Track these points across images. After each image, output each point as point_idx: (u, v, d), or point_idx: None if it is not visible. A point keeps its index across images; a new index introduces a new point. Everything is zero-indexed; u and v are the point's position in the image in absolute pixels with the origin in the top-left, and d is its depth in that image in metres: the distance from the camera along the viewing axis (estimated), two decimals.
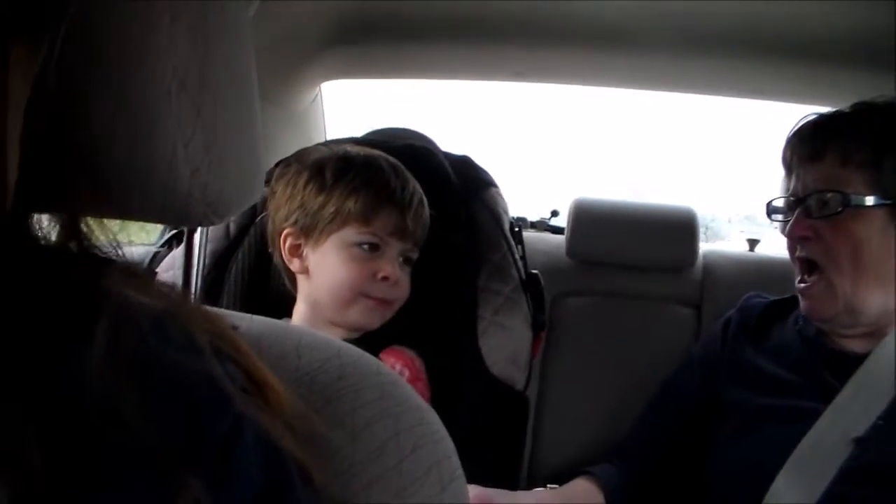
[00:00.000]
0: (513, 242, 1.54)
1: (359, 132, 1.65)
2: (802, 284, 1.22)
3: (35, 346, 0.36)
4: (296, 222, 1.25)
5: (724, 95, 2.09)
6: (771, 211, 1.31)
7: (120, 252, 0.43)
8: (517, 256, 1.54)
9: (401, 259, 1.28)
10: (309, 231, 1.25)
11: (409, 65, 2.06)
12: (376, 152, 1.32)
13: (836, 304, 1.19)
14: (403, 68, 2.09)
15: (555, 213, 2.31)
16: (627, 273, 1.99)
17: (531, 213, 2.32)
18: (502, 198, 1.61)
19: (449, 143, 1.65)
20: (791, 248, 1.25)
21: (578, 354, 1.92)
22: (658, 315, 1.94)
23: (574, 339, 1.92)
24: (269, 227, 1.32)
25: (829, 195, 1.17)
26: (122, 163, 0.42)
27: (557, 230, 2.21)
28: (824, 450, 1.12)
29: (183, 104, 0.42)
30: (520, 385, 1.44)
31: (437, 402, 1.27)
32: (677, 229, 1.96)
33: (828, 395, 1.17)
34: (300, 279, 1.28)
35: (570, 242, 1.98)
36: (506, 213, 1.58)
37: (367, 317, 1.25)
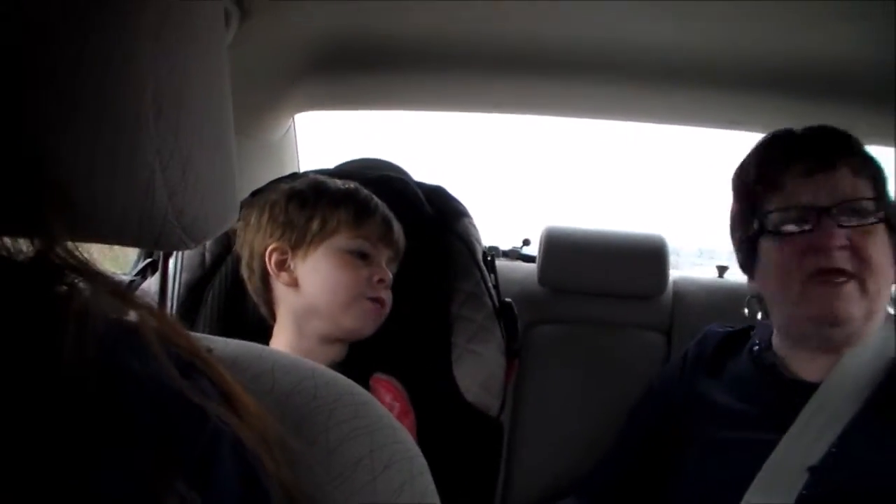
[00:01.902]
0: (486, 271, 1.56)
1: (332, 163, 1.66)
2: (835, 282, 1.16)
3: (4, 359, 0.36)
4: (281, 236, 1.27)
5: (698, 126, 2.12)
6: (780, 223, 1.23)
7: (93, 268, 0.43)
8: (490, 285, 1.55)
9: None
10: (297, 243, 1.27)
11: (383, 96, 2.07)
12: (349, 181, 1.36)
13: (863, 309, 1.17)
14: (377, 99, 2.10)
15: (526, 242, 2.32)
16: (599, 300, 2.01)
17: (503, 242, 2.33)
18: (475, 227, 1.62)
19: (422, 173, 1.67)
20: (797, 260, 1.19)
21: (551, 381, 1.93)
22: (629, 342, 1.96)
23: (547, 366, 1.93)
24: (245, 254, 1.32)
25: (862, 203, 1.17)
26: (99, 186, 0.42)
27: (529, 259, 2.23)
28: (782, 479, 1.12)
29: (160, 128, 0.42)
30: (494, 411, 1.45)
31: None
32: (648, 257, 1.98)
33: (784, 425, 1.17)
34: (286, 294, 1.29)
35: (542, 271, 2.00)
36: (479, 242, 1.60)
37: (362, 320, 1.27)
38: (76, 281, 0.41)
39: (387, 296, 1.29)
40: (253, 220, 1.30)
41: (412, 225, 1.50)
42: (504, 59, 1.76)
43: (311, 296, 1.26)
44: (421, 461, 0.53)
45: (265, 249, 1.28)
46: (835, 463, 1.09)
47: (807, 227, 1.19)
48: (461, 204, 1.64)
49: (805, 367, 1.24)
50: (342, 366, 1.24)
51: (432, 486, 0.52)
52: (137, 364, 0.39)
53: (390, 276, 1.30)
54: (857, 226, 1.16)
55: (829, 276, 1.16)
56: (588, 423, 1.81)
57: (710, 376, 1.34)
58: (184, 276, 1.43)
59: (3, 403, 0.35)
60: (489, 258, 1.60)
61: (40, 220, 0.41)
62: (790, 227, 1.21)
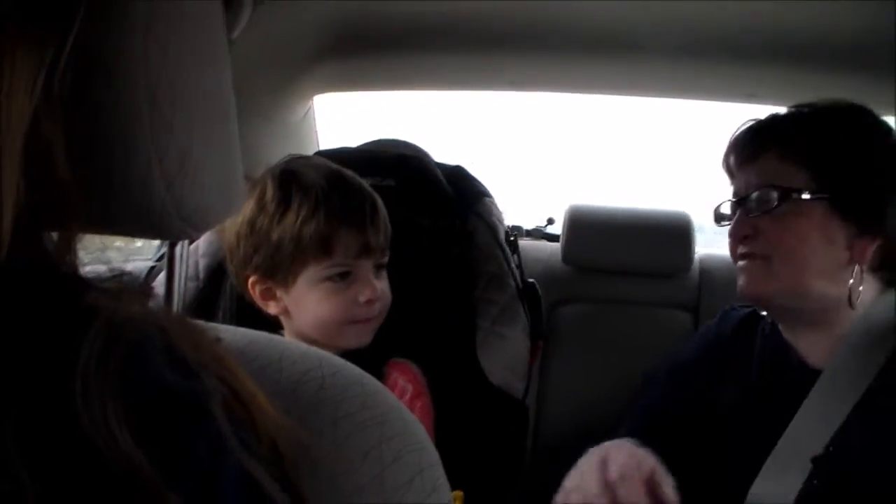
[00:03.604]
0: (508, 252, 1.55)
1: (352, 145, 1.65)
2: (742, 262, 1.24)
3: (22, 363, 0.36)
4: (257, 267, 1.19)
5: (716, 100, 2.09)
6: (718, 218, 1.33)
7: (110, 268, 0.43)
8: (513, 265, 1.54)
9: (374, 269, 1.23)
10: (274, 273, 1.18)
11: (402, 76, 2.06)
12: (320, 163, 1.26)
13: (773, 286, 1.20)
14: (396, 80, 2.09)
15: (550, 221, 2.30)
16: (624, 279, 1.99)
17: (527, 222, 2.31)
18: (497, 207, 1.61)
19: (443, 153, 1.65)
20: (733, 249, 1.27)
21: (577, 361, 1.92)
22: (655, 320, 1.94)
23: (572, 346, 1.92)
24: (230, 268, 1.25)
25: (768, 191, 1.19)
26: (97, 178, 0.42)
27: (553, 238, 2.21)
28: (788, 467, 1.12)
29: (156, 120, 0.42)
30: (519, 394, 1.44)
31: (436, 412, 1.27)
32: (673, 234, 1.96)
33: (791, 410, 1.17)
34: (282, 318, 1.23)
35: (566, 249, 1.99)
36: (501, 222, 1.58)
37: (357, 338, 1.21)
38: (93, 284, 0.41)
39: (378, 308, 1.22)
40: (228, 226, 1.21)
41: (432, 206, 1.49)
42: (519, 36, 1.74)
43: (303, 324, 1.21)
44: (432, 453, 0.52)
45: (246, 280, 1.22)
46: (835, 457, 1.08)
47: (731, 216, 1.29)
48: (482, 184, 1.63)
49: (806, 348, 1.23)
50: (356, 352, 1.22)
51: (443, 479, 0.51)
52: (149, 367, 0.39)
53: (378, 288, 1.21)
54: (761, 214, 1.20)
55: (740, 259, 1.25)
56: (615, 404, 1.79)
57: (726, 356, 1.33)
58: (204, 261, 1.43)
59: (23, 407, 0.35)
60: (512, 238, 1.58)
61: (59, 212, 0.41)
62: (724, 222, 1.31)
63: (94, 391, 0.36)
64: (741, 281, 1.24)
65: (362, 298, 1.19)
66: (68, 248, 0.42)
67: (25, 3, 0.37)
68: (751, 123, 1.29)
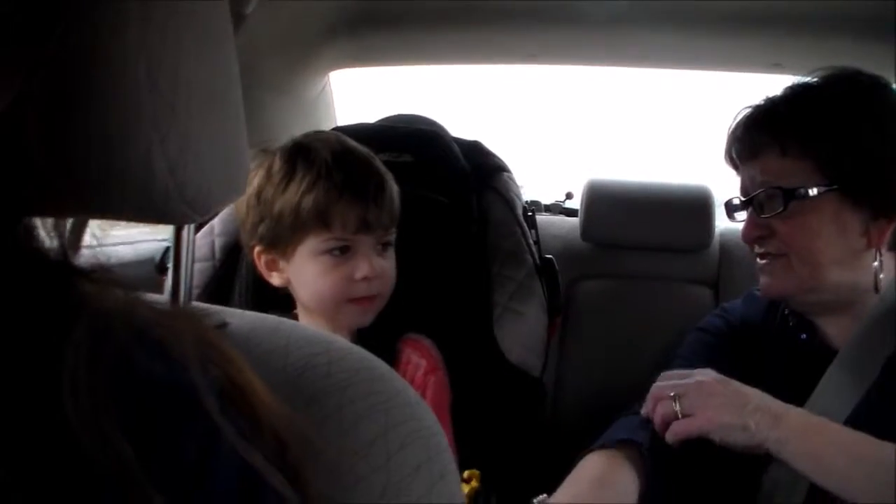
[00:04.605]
0: (526, 227, 1.53)
1: (369, 120, 1.64)
2: (762, 261, 1.22)
3: (10, 356, 0.36)
4: (262, 238, 1.20)
5: (740, 71, 2.06)
6: (731, 210, 1.30)
7: (101, 257, 0.42)
8: (531, 241, 1.53)
9: (379, 246, 1.22)
10: (276, 244, 1.19)
11: (419, 51, 2.04)
12: (331, 138, 1.25)
13: (793, 283, 1.18)
14: (413, 55, 2.08)
15: (569, 196, 2.29)
16: (644, 255, 1.98)
17: (545, 197, 2.30)
18: (514, 182, 1.60)
19: (460, 128, 1.64)
20: (750, 246, 1.25)
21: (595, 338, 1.91)
22: (675, 296, 1.93)
23: (591, 323, 1.92)
24: (243, 238, 1.27)
25: (774, 192, 1.16)
26: (98, 162, 0.41)
27: (572, 213, 2.20)
28: None
29: (157, 103, 0.41)
30: (536, 371, 1.43)
31: (453, 390, 1.26)
32: (693, 209, 1.94)
33: (811, 392, 1.16)
34: (290, 288, 1.23)
35: (585, 225, 1.97)
36: (518, 197, 1.57)
37: (357, 318, 1.21)
38: (82, 277, 0.41)
39: (377, 287, 1.20)
40: (240, 206, 1.23)
41: (449, 181, 1.48)
42: (539, 8, 1.72)
43: (304, 297, 1.21)
44: (440, 439, 0.51)
45: (252, 249, 1.23)
46: (855, 427, 1.06)
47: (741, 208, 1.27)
48: (499, 158, 1.61)
49: (832, 332, 1.22)
50: (371, 329, 1.22)
51: (452, 465, 0.51)
52: (142, 361, 0.38)
53: (377, 266, 1.19)
54: (772, 215, 1.17)
55: (758, 258, 1.24)
56: (634, 380, 1.78)
57: (754, 341, 1.31)
58: (220, 240, 1.43)
59: (13, 402, 0.35)
60: (529, 213, 1.57)
61: (48, 197, 0.41)
62: (737, 216, 1.29)
63: (84, 389, 0.35)
64: (761, 280, 1.23)
65: (359, 275, 1.18)
66: (56, 235, 0.42)
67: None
68: (746, 112, 1.25)
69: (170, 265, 1.08)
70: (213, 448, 0.38)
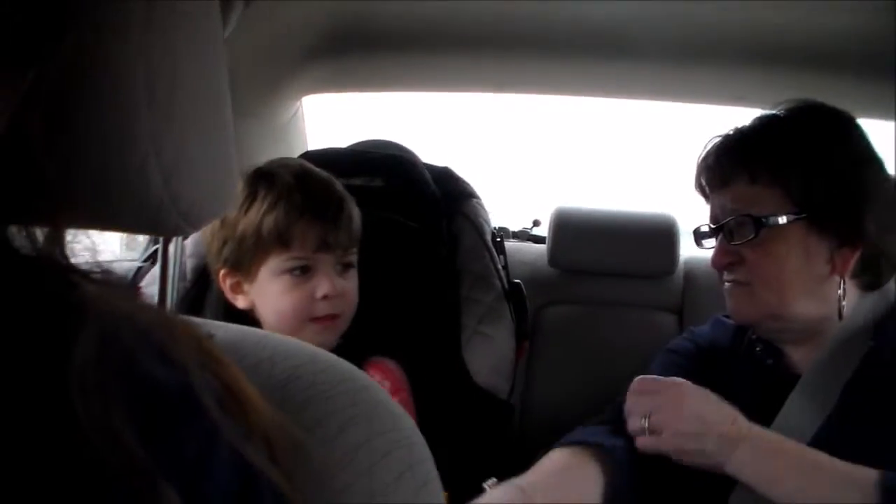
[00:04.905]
0: (495, 252, 1.55)
1: (341, 145, 1.65)
2: (727, 284, 1.24)
3: (16, 358, 0.36)
4: (226, 260, 1.22)
5: (704, 103, 2.10)
6: (700, 237, 1.31)
7: (100, 265, 0.43)
8: (499, 266, 1.55)
9: (339, 267, 1.24)
10: (240, 266, 1.21)
11: (391, 77, 2.06)
12: (292, 163, 1.29)
13: (758, 310, 1.20)
14: (385, 81, 2.09)
15: (536, 223, 2.31)
16: (609, 281, 2.00)
17: (513, 223, 2.32)
18: (483, 208, 1.62)
19: (430, 154, 1.66)
20: (719, 273, 1.26)
21: (562, 362, 1.92)
22: (640, 322, 1.95)
23: (557, 347, 1.93)
24: (210, 262, 1.28)
25: (743, 220, 1.18)
26: (94, 172, 0.42)
27: (539, 240, 2.22)
28: None
29: (154, 114, 0.41)
30: (504, 394, 1.45)
31: (421, 412, 1.27)
32: (658, 237, 1.97)
33: (774, 417, 1.17)
34: (255, 310, 1.24)
35: (552, 252, 1.99)
36: (487, 223, 1.59)
37: (319, 337, 1.21)
38: (85, 279, 0.41)
39: (338, 306, 1.22)
40: (205, 230, 1.24)
41: (419, 206, 1.50)
42: (507, 39, 1.74)
43: (267, 318, 1.22)
44: (422, 448, 0.52)
45: (218, 272, 1.24)
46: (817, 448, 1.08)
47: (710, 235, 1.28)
48: (469, 185, 1.64)
49: (797, 358, 1.23)
50: (338, 351, 1.22)
51: (434, 474, 0.52)
52: (145, 363, 0.39)
53: (338, 286, 1.22)
54: (741, 243, 1.19)
55: (725, 283, 1.25)
56: (600, 405, 1.80)
57: (721, 365, 1.32)
58: (190, 262, 1.43)
59: (15, 406, 0.35)
60: (498, 239, 1.59)
61: (45, 205, 0.41)
62: (706, 244, 1.30)
63: (93, 388, 0.36)
64: (729, 304, 1.25)
65: (319, 293, 1.20)
66: (57, 241, 0.41)
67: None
68: (716, 141, 1.27)
69: (143, 284, 1.08)
70: (212, 448, 0.39)
